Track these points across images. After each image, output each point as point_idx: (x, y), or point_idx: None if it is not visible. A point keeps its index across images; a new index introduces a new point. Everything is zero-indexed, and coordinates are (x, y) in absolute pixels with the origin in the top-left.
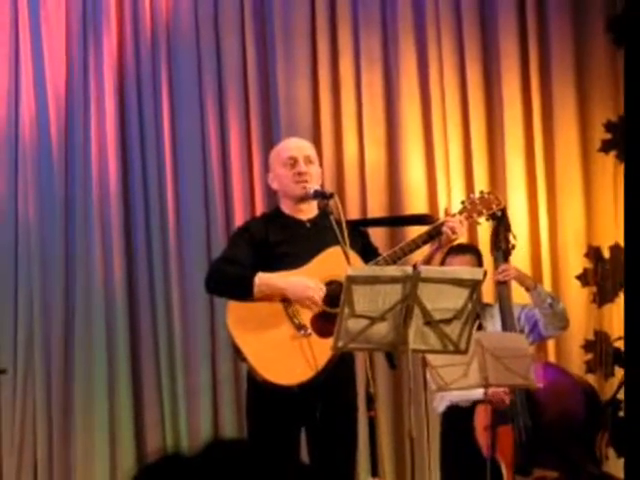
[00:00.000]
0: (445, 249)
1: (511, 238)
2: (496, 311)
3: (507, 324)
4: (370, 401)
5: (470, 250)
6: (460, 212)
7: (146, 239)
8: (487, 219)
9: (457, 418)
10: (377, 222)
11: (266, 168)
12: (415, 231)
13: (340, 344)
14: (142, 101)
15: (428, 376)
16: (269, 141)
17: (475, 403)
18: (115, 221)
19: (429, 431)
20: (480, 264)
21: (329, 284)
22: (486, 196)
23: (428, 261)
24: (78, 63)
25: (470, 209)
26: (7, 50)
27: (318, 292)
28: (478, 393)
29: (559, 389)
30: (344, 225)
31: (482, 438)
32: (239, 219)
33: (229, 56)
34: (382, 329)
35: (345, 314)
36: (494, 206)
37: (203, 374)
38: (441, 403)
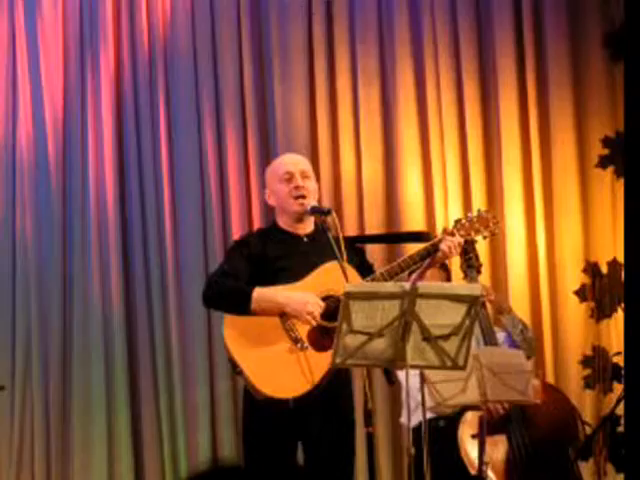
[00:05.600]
0: (437, 266)
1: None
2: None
3: (489, 342)
4: (368, 417)
5: (441, 266)
6: (458, 230)
7: (143, 258)
8: (485, 237)
9: (435, 435)
10: (374, 239)
11: (263, 184)
12: (412, 246)
13: (338, 360)
14: (139, 121)
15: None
16: (266, 158)
17: (459, 414)
18: (113, 241)
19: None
20: (450, 279)
21: (325, 299)
22: (484, 214)
23: (420, 278)
24: (76, 85)
25: (468, 227)
26: (5, 72)
27: (317, 307)
28: None
29: (550, 404)
30: (342, 241)
31: (467, 455)
32: (236, 235)
33: (226, 74)
34: (380, 345)
35: (343, 330)
36: (491, 224)
37: (201, 391)
38: (413, 416)
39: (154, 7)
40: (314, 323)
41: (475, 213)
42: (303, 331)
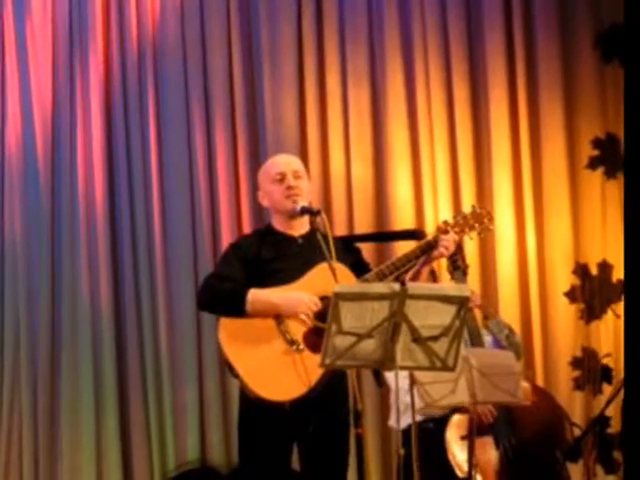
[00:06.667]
0: (431, 264)
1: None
2: None
3: (476, 345)
4: (357, 418)
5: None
6: (452, 227)
7: (133, 257)
8: (479, 234)
9: (424, 437)
10: (367, 238)
11: (253, 185)
12: (403, 246)
13: (327, 361)
14: (129, 120)
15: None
16: (256, 158)
17: (449, 414)
18: (101, 239)
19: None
20: (436, 280)
21: (321, 299)
22: (478, 210)
23: (415, 277)
24: (64, 84)
25: (462, 224)
26: None
27: (311, 306)
28: None
29: (536, 406)
30: (331, 241)
31: (455, 458)
32: (226, 236)
33: (216, 74)
34: (369, 346)
35: (332, 331)
36: (486, 220)
37: (190, 392)
38: (402, 419)
39: (143, 5)
40: (309, 322)
41: (469, 209)
42: (299, 333)
